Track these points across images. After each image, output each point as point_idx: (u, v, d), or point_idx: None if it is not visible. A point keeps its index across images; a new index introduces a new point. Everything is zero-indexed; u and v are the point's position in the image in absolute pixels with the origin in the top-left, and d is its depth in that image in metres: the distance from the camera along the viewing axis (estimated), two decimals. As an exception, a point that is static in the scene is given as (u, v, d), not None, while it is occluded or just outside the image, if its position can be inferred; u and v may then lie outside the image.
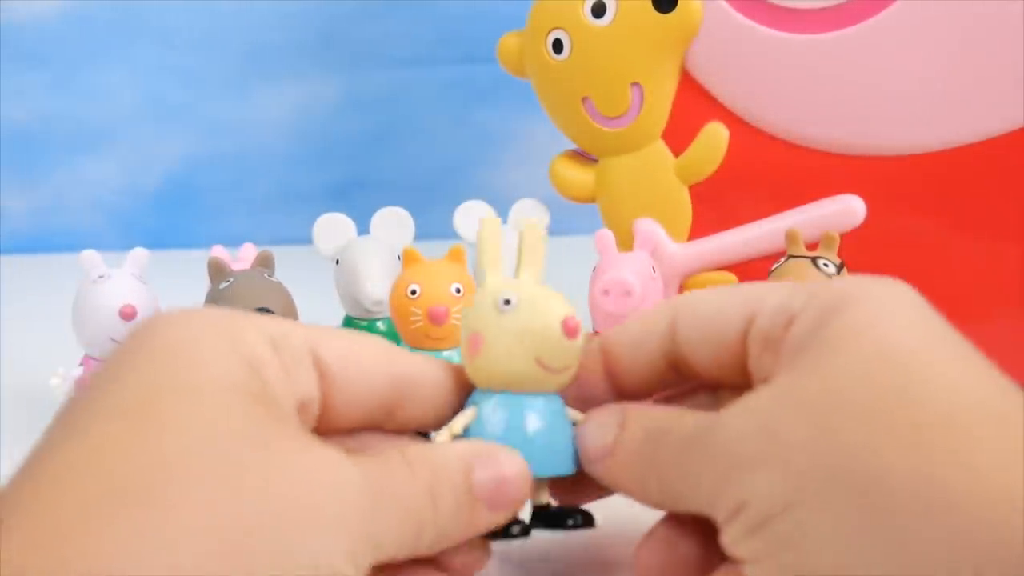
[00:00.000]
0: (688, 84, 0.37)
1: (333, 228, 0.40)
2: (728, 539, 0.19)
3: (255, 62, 0.67)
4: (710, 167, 0.37)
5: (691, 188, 0.38)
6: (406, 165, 0.69)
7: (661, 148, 0.38)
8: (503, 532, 0.22)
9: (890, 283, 0.21)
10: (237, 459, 0.18)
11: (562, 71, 0.38)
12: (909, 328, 0.20)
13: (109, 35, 0.66)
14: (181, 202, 0.69)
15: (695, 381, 0.24)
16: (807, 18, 0.35)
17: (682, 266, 0.39)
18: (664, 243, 0.38)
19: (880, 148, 0.35)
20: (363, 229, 0.41)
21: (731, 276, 0.39)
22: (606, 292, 0.34)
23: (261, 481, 0.18)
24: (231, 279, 0.34)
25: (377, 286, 0.38)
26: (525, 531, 0.23)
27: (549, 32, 0.38)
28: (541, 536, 0.23)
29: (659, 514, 0.23)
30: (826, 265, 0.32)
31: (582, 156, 0.41)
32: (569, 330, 0.22)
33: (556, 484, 0.24)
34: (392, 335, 0.37)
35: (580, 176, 0.40)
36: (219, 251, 0.37)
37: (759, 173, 0.37)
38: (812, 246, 0.33)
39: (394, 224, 0.41)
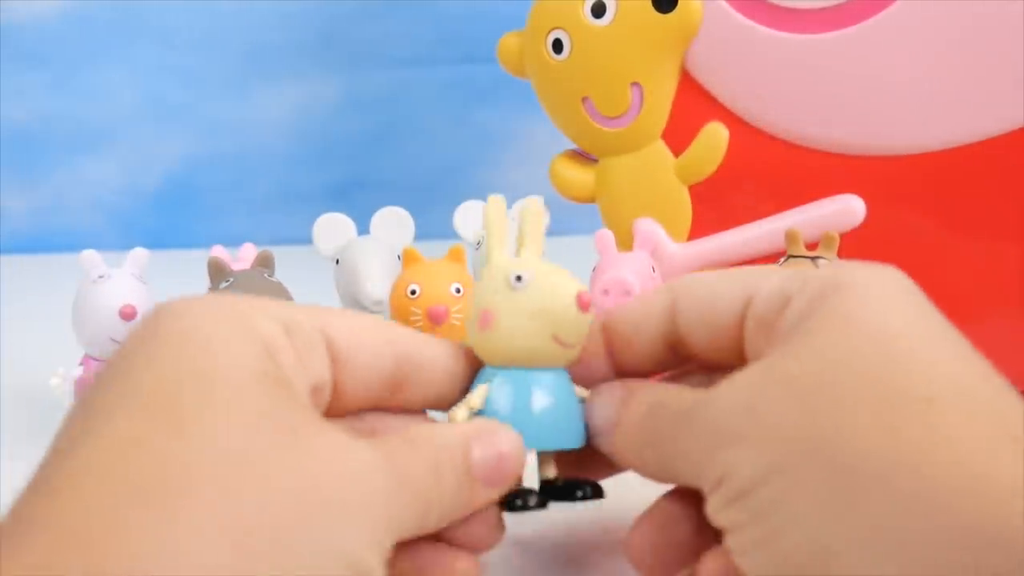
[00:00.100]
0: (688, 84, 0.37)
1: (333, 228, 0.40)
2: (711, 508, 0.20)
3: (255, 62, 0.67)
4: (710, 167, 0.37)
5: (691, 188, 0.38)
6: (406, 165, 0.69)
7: (661, 148, 0.38)
8: (521, 505, 0.23)
9: (881, 269, 0.21)
10: (262, 453, 0.18)
11: (562, 71, 0.38)
12: (895, 313, 0.20)
13: (109, 35, 0.66)
14: (181, 202, 0.69)
15: (694, 362, 0.25)
16: (807, 18, 0.35)
17: (682, 266, 0.39)
18: (664, 243, 0.38)
19: (880, 148, 0.35)
20: (363, 229, 0.41)
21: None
22: (606, 292, 0.34)
23: (288, 475, 0.18)
24: (231, 279, 0.35)
25: (377, 286, 0.38)
26: (542, 503, 0.23)
27: (549, 32, 0.38)
28: (551, 511, 0.23)
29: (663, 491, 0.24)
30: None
31: (582, 156, 0.41)
32: (583, 304, 0.23)
33: (563, 459, 0.25)
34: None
35: (580, 176, 0.40)
36: (219, 251, 0.37)
37: (759, 173, 0.37)
38: (812, 246, 0.33)
39: (394, 224, 0.41)
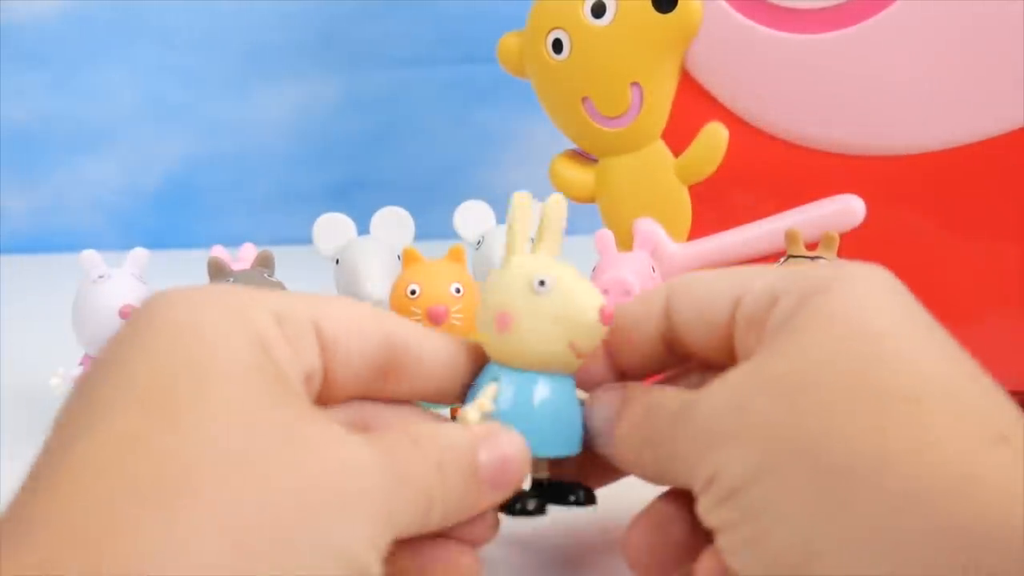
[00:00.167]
0: (688, 84, 0.37)
1: (333, 228, 0.40)
2: (702, 508, 0.20)
3: (255, 62, 0.67)
4: (710, 167, 0.37)
5: (691, 188, 0.38)
6: (406, 165, 0.69)
7: (661, 148, 0.38)
8: (520, 510, 0.23)
9: (868, 268, 0.21)
10: (260, 451, 0.18)
11: (562, 71, 0.38)
12: (881, 312, 0.20)
13: (109, 35, 0.66)
14: (181, 202, 0.69)
15: (692, 362, 0.25)
16: (807, 18, 0.35)
17: (682, 266, 0.39)
18: (664, 243, 0.38)
19: (880, 148, 0.35)
20: (363, 229, 0.41)
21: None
22: (606, 292, 0.34)
23: (286, 473, 0.18)
24: (231, 279, 0.35)
25: (377, 286, 0.38)
26: (541, 509, 0.23)
27: (549, 32, 0.38)
28: (549, 511, 0.24)
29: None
30: (826, 265, 0.32)
31: (582, 156, 0.41)
32: (606, 317, 0.23)
33: (560, 465, 0.25)
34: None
35: (580, 176, 0.40)
36: (219, 251, 0.37)
37: (759, 173, 0.37)
38: (812, 246, 0.33)
39: (394, 224, 0.41)
